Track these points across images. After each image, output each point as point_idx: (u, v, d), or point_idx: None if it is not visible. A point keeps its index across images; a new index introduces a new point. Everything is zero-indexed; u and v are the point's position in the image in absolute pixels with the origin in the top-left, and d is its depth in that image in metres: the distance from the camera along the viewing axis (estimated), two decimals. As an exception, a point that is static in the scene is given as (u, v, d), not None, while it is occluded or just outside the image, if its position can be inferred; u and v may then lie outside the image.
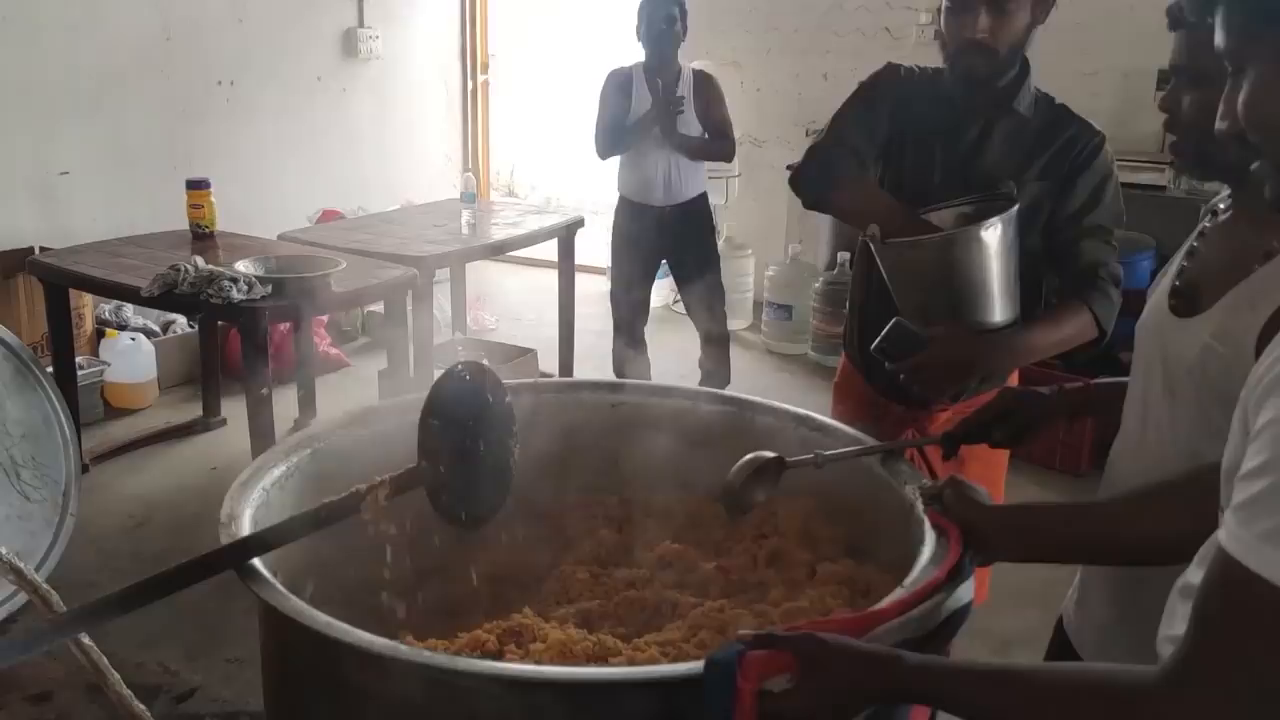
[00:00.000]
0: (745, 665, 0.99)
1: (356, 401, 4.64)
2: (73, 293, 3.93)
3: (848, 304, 2.21)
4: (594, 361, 5.14)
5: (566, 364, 4.95)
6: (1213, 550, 0.84)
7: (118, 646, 2.77)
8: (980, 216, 1.76)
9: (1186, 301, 1.33)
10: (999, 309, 1.76)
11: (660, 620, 1.41)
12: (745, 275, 5.99)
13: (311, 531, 1.30)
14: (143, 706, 1.95)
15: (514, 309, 6.05)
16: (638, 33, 4.11)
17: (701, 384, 4.45)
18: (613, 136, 4.23)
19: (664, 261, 4.42)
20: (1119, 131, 5.25)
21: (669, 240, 4.26)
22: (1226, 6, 0.93)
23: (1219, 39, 0.94)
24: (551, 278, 5.09)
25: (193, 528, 3.38)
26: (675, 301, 6.36)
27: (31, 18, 4.50)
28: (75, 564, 3.21)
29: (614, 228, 4.43)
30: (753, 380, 5.25)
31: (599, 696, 1.05)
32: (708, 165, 4.41)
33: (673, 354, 5.09)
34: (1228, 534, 0.80)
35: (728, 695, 0.99)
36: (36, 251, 4.20)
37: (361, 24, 6.21)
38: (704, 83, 4.25)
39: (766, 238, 6.08)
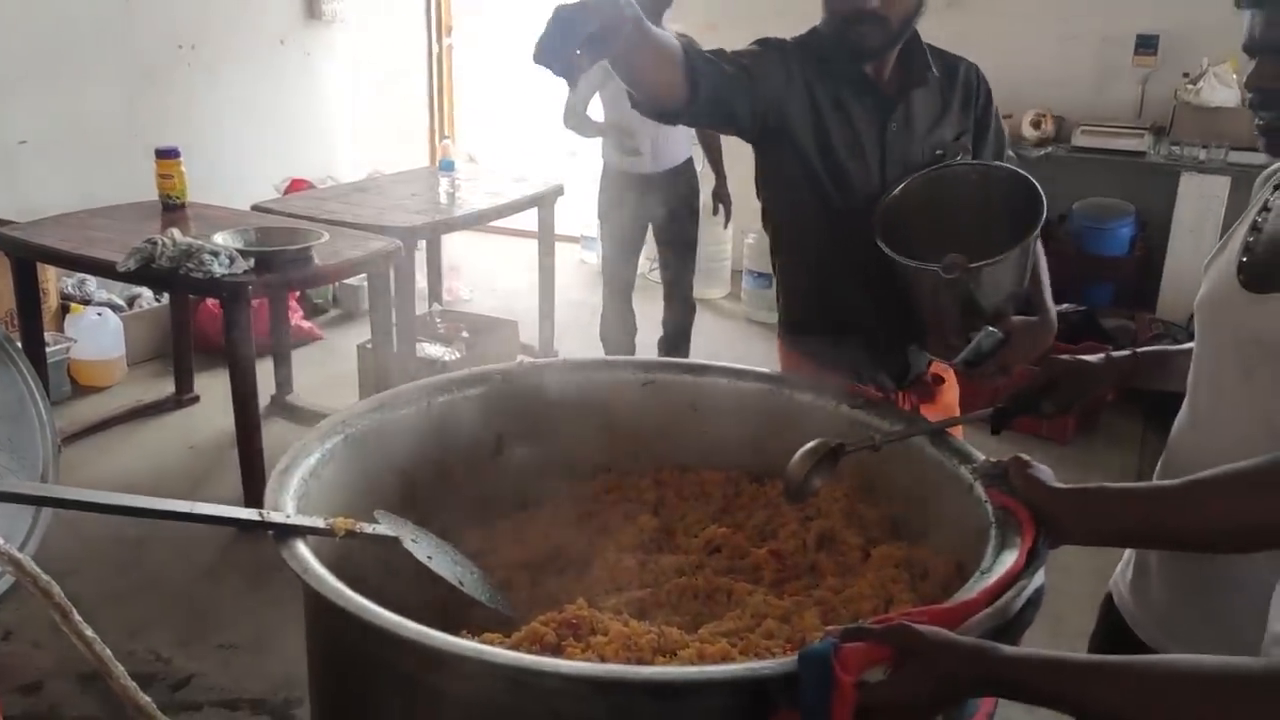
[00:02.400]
0: (842, 657, 0.96)
1: (333, 375, 4.55)
2: (39, 267, 3.78)
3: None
4: (574, 332, 5.07)
5: (548, 336, 4.88)
6: None
7: (104, 634, 2.69)
8: (945, 180, 1.77)
9: (1259, 278, 1.30)
10: (1026, 281, 1.74)
11: (716, 608, 1.37)
12: (723, 243, 5.93)
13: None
14: (148, 699, 1.88)
15: (487, 279, 5.95)
16: None
17: (660, 348, 4.45)
18: (577, 113, 4.06)
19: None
20: (1097, 97, 5.27)
21: (656, 206, 4.18)
22: None
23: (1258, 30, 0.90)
24: (522, 246, 5.02)
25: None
26: (651, 269, 6.30)
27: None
28: (55, 549, 3.04)
29: (601, 196, 4.30)
30: (731, 349, 5.22)
31: (690, 695, 1.00)
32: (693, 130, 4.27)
33: (653, 324, 5.03)
34: None
35: (826, 689, 0.96)
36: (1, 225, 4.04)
37: (324, -15, 6.03)
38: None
39: (745, 204, 6.01)
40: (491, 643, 1.17)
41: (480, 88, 8.47)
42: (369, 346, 3.99)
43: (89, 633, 1.74)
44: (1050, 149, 5.02)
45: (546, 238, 4.75)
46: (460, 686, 1.04)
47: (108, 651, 1.79)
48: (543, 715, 1.03)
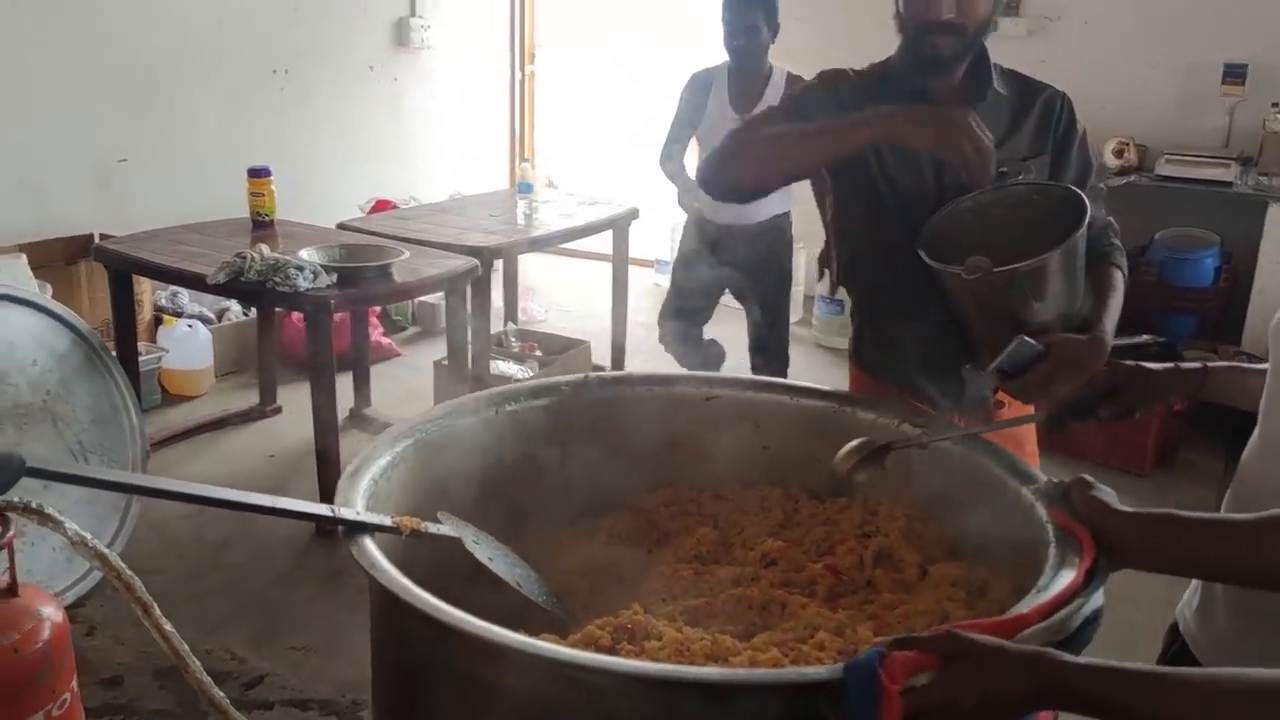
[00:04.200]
0: (888, 666, 0.97)
1: (410, 391, 4.66)
2: (133, 279, 3.95)
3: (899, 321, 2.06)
4: (644, 355, 5.12)
5: (619, 356, 4.93)
6: None
7: (184, 632, 2.79)
8: (1000, 200, 1.77)
9: None
10: (1081, 301, 1.73)
11: (769, 620, 1.39)
12: (796, 269, 5.93)
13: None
14: (221, 694, 1.93)
15: (562, 301, 6.03)
16: (723, 37, 3.77)
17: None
18: (669, 150, 3.93)
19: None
20: (1183, 126, 5.18)
21: (735, 263, 3.88)
22: None
23: None
24: (597, 269, 5.08)
25: (253, 514, 3.40)
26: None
27: (89, 4, 4.52)
28: (140, 549, 3.22)
29: (680, 242, 4.15)
30: (803, 374, 5.22)
31: (739, 698, 1.02)
32: None
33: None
34: None
35: (873, 699, 0.96)
36: (96, 238, 4.22)
37: (413, 13, 6.21)
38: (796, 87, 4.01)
39: (818, 228, 6.02)
40: (550, 643, 1.21)
41: (561, 113, 8.63)
42: (444, 363, 4.07)
43: (168, 627, 1.81)
44: (1133, 177, 4.94)
45: (620, 261, 4.81)
46: (513, 681, 1.07)
47: (185, 646, 1.86)
48: (594, 714, 1.06)
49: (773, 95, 3.66)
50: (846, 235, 2.00)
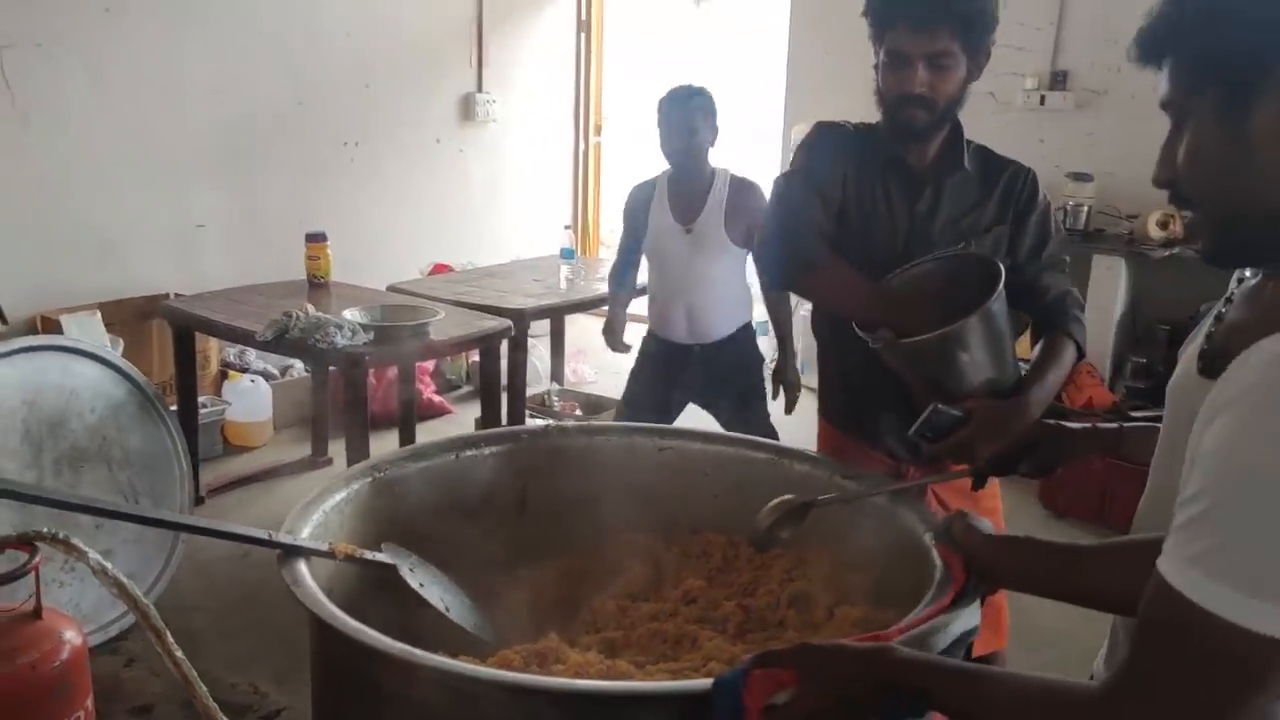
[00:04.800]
0: (750, 684, 1.06)
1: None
2: (199, 336, 4.23)
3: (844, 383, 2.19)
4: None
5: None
6: None
7: (213, 666, 2.97)
8: (955, 270, 1.86)
9: (1212, 364, 1.36)
10: (1011, 367, 1.81)
11: (680, 652, 1.49)
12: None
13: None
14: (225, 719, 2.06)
15: (614, 363, 6.19)
16: (660, 141, 3.53)
17: None
18: (618, 272, 3.78)
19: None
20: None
21: (697, 382, 3.60)
22: (1174, 57, 0.98)
23: (1162, 88, 0.99)
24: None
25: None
26: (771, 359, 6.42)
27: (180, 82, 4.89)
28: (183, 588, 3.43)
29: (637, 356, 3.79)
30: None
31: (604, 709, 1.13)
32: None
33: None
34: (1163, 556, 0.85)
35: (737, 713, 1.05)
36: (171, 298, 4.53)
37: (480, 89, 6.53)
38: (741, 194, 3.49)
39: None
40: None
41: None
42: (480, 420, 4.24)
43: (179, 654, 1.97)
44: (1177, 250, 4.92)
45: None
46: (403, 687, 1.20)
47: (194, 672, 2.01)
48: (470, 718, 1.17)
49: (715, 202, 3.46)
50: None
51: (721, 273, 3.49)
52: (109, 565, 1.96)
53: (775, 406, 3.69)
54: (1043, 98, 5.43)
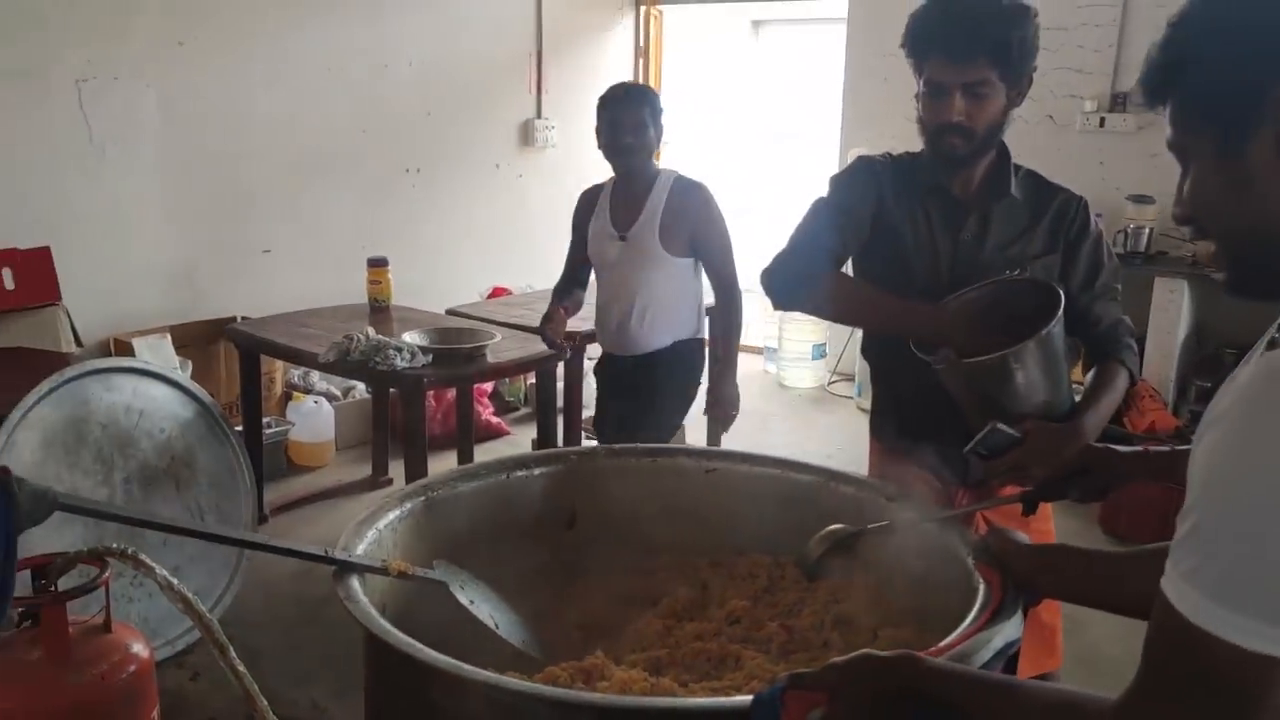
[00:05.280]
0: (788, 704, 1.08)
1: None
2: (265, 358, 4.34)
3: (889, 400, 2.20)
4: (743, 439, 5.22)
5: (715, 440, 5.05)
6: None
7: (275, 682, 3.04)
8: (1008, 295, 1.86)
9: None
10: (1066, 392, 1.81)
11: (723, 670, 1.51)
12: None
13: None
14: None
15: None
16: (598, 139, 3.35)
17: None
18: (559, 283, 3.59)
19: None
20: None
21: (632, 396, 3.34)
22: (1172, 100, 0.99)
23: (1166, 131, 1.01)
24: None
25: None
26: (831, 382, 6.41)
27: (248, 112, 5.04)
28: (246, 604, 3.51)
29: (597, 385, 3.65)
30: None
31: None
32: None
33: (823, 432, 5.12)
34: (1165, 572, 0.87)
35: None
36: (238, 321, 4.66)
37: (539, 115, 6.63)
38: (683, 197, 3.24)
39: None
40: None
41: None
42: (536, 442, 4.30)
43: (240, 667, 2.03)
44: (1242, 271, 4.84)
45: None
46: (452, 701, 1.24)
47: (255, 686, 2.07)
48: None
49: (652, 208, 3.24)
50: None
51: (656, 283, 3.26)
52: (175, 581, 2.03)
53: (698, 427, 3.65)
54: (1103, 120, 5.38)
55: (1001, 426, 1.70)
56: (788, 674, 1.12)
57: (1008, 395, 1.76)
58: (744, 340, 6.50)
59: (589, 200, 3.48)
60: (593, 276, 3.56)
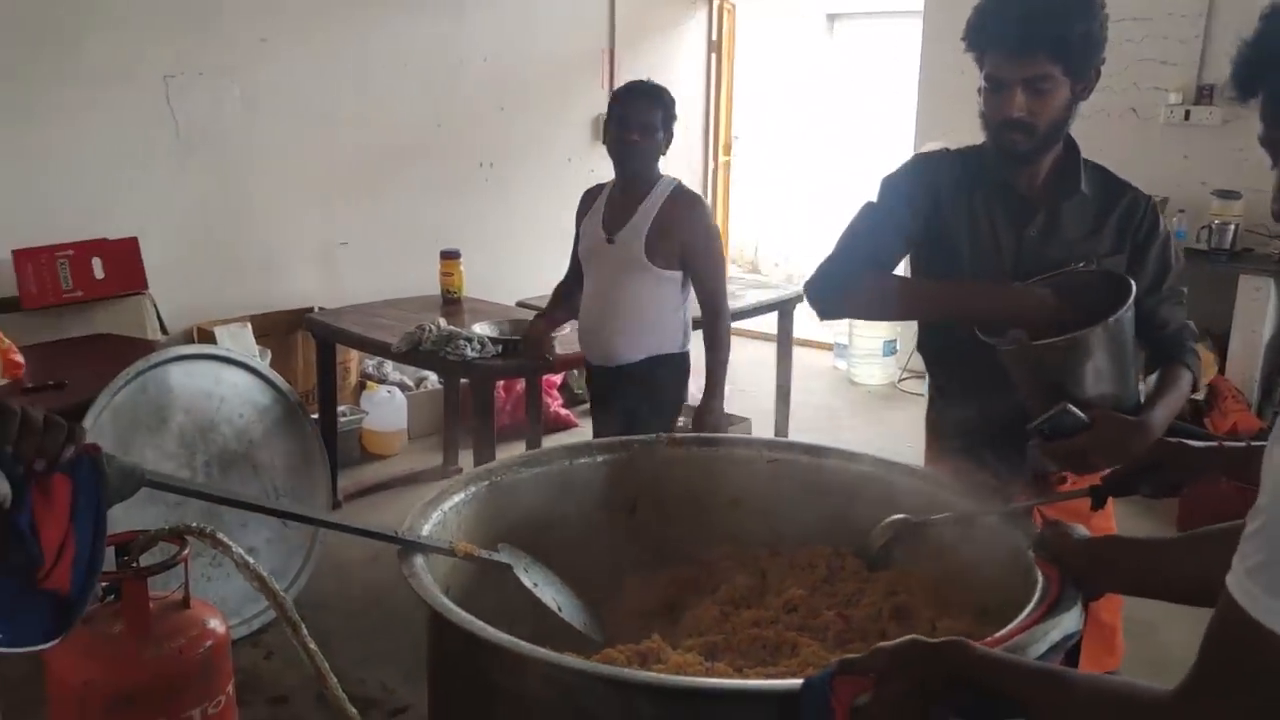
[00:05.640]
0: (838, 688, 1.09)
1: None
2: (340, 348, 4.45)
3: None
4: (811, 435, 5.22)
5: (782, 434, 5.05)
6: None
7: (345, 662, 3.12)
8: (1074, 288, 1.82)
9: None
10: (1134, 387, 1.78)
11: (779, 657, 1.52)
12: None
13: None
14: (354, 711, 2.16)
15: (738, 380, 6.21)
16: (604, 137, 3.30)
17: None
18: (562, 285, 3.51)
19: None
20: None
21: (617, 407, 3.19)
22: (1266, 95, 0.98)
23: (1259, 127, 0.99)
24: (773, 350, 5.23)
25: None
26: (901, 379, 6.35)
27: (328, 107, 5.16)
28: (319, 587, 3.61)
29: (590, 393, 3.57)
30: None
31: (688, 701, 1.17)
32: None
33: (893, 429, 5.08)
34: (1231, 567, 0.86)
35: (825, 716, 1.09)
36: (316, 311, 4.77)
37: (611, 110, 6.66)
38: (678, 207, 3.16)
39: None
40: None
41: (758, 199, 8.95)
42: (606, 432, 4.33)
43: (311, 645, 2.08)
44: (1333, 270, 4.69)
45: (784, 340, 4.97)
46: (508, 677, 1.27)
47: (325, 664, 2.13)
48: (569, 708, 1.23)
49: (644, 214, 3.14)
50: None
51: (636, 292, 3.15)
52: (251, 559, 2.10)
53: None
54: (1188, 113, 5.24)
55: (1072, 409, 1.67)
56: (839, 659, 1.13)
57: (1075, 381, 1.73)
58: (814, 336, 6.51)
59: (590, 198, 3.37)
60: None
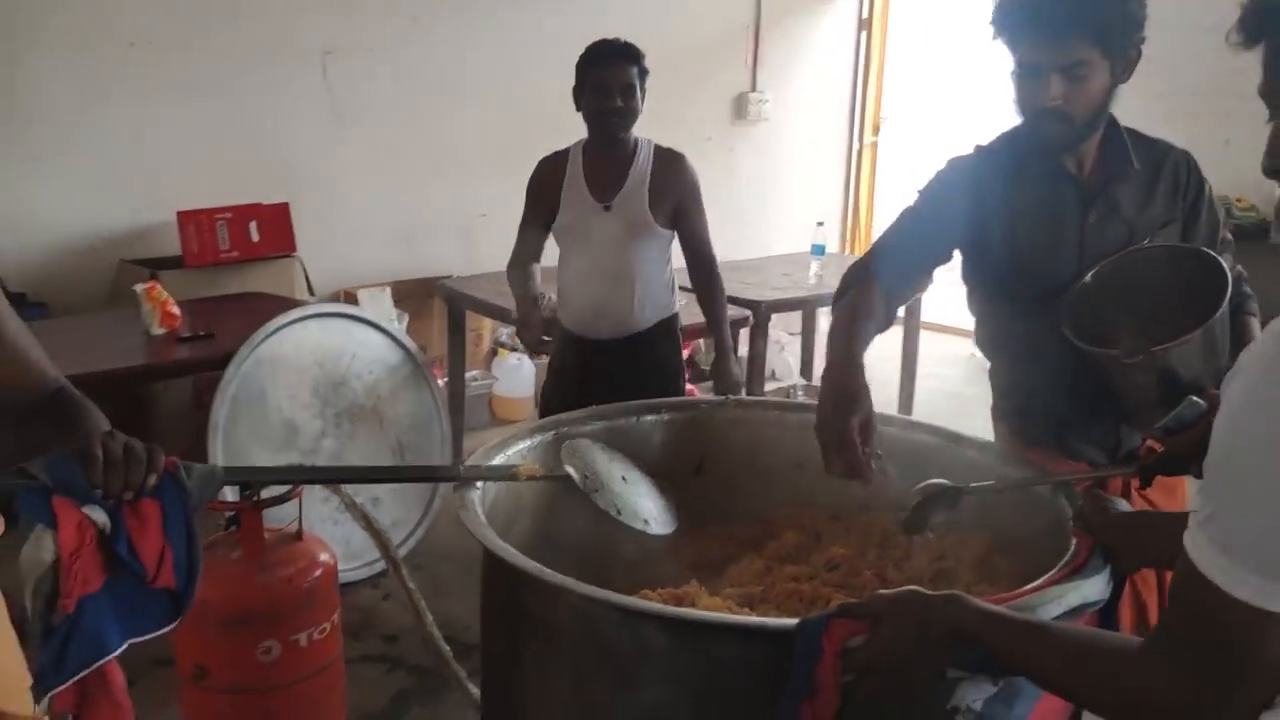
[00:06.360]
0: (831, 629, 1.14)
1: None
2: (473, 316, 4.64)
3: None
4: (935, 419, 5.13)
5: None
6: None
7: (456, 610, 3.29)
8: (1134, 268, 1.77)
9: None
10: (1226, 353, 1.72)
11: (812, 611, 1.55)
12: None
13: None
14: (447, 648, 2.29)
15: (869, 364, 6.16)
16: (577, 101, 3.11)
17: None
18: (522, 260, 3.29)
19: None
20: None
21: (611, 384, 2.85)
22: (1269, 45, 0.96)
23: (1260, 77, 0.97)
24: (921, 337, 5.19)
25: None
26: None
27: (471, 82, 5.38)
28: (436, 537, 3.79)
29: (549, 365, 3.37)
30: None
31: (693, 633, 1.24)
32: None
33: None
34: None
35: (814, 654, 1.14)
36: (451, 279, 4.99)
37: (754, 89, 6.68)
38: (667, 166, 3.10)
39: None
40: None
41: (907, 181, 8.78)
42: (722, 406, 4.39)
43: (411, 585, 2.23)
44: None
45: (911, 325, 4.92)
46: (533, 601, 1.36)
47: (423, 603, 2.27)
48: (589, 633, 1.32)
49: (638, 175, 3.06)
50: (980, 309, 2.06)
51: (644, 257, 3.08)
52: (358, 501, 2.26)
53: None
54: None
55: (1195, 400, 1.62)
56: (839, 604, 1.18)
57: (1188, 368, 1.67)
58: (952, 322, 6.37)
59: (554, 168, 3.18)
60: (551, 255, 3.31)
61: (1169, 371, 1.68)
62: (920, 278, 1.99)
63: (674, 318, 3.24)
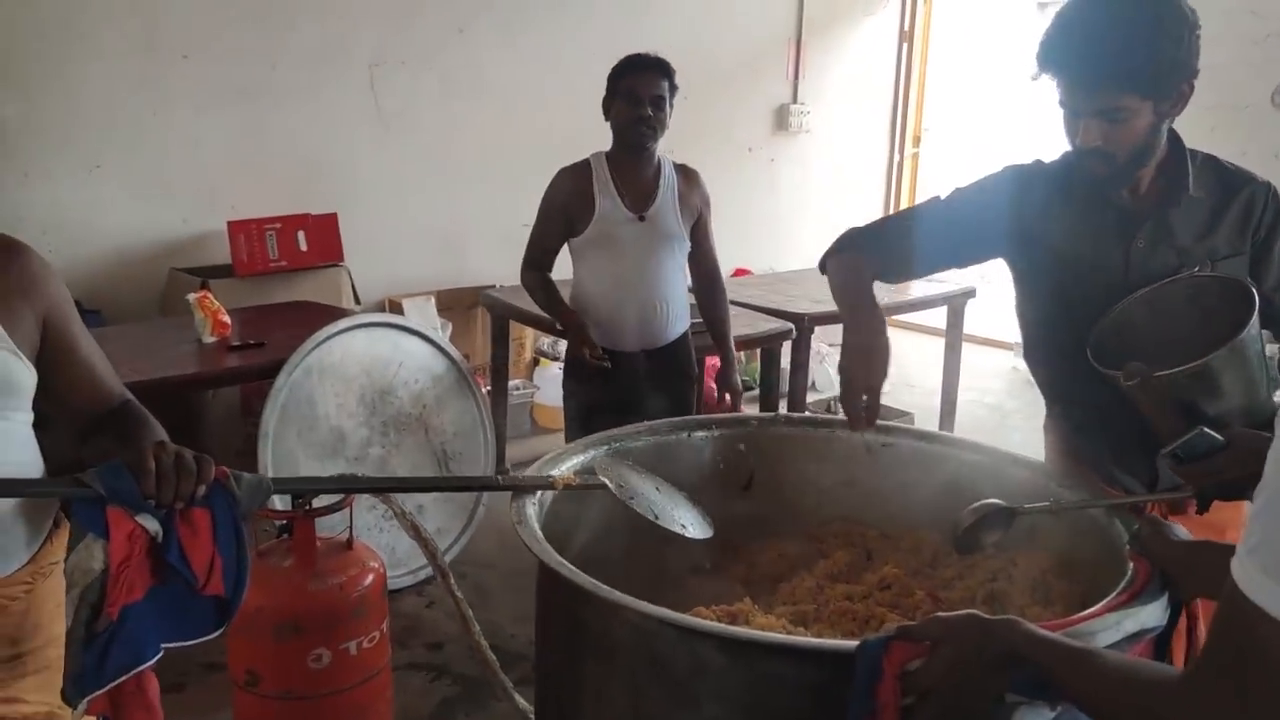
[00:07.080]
0: (892, 651, 1.15)
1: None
2: (516, 325, 4.67)
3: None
4: (978, 432, 5.11)
5: (947, 430, 4.98)
6: None
7: (499, 617, 3.31)
8: (1186, 295, 1.74)
9: None
10: (1267, 395, 1.69)
11: (865, 631, 1.57)
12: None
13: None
14: (494, 657, 2.31)
15: (910, 375, 6.14)
16: (606, 111, 3.19)
17: None
18: (544, 270, 3.33)
19: None
20: None
21: (633, 395, 3.09)
22: None
23: None
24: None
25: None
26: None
27: (516, 93, 5.43)
28: (480, 546, 3.83)
29: (565, 388, 3.38)
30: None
31: (750, 653, 1.25)
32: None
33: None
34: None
35: (875, 675, 1.15)
36: (496, 289, 5.03)
37: (795, 100, 6.68)
38: (688, 180, 3.24)
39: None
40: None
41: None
42: (764, 418, 4.40)
43: (458, 593, 2.25)
44: None
45: (954, 336, 4.90)
46: (587, 614, 1.37)
47: (470, 611, 2.29)
48: (646, 650, 1.33)
49: (668, 186, 3.16)
50: (1026, 321, 2.03)
51: (674, 266, 3.17)
52: (406, 509, 2.29)
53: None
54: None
55: (1207, 431, 1.61)
56: (897, 625, 1.19)
57: (1207, 401, 1.65)
58: (993, 335, 6.33)
59: (578, 179, 3.22)
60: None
61: (1179, 402, 1.64)
62: (911, 275, 2.05)
63: (688, 329, 3.33)
